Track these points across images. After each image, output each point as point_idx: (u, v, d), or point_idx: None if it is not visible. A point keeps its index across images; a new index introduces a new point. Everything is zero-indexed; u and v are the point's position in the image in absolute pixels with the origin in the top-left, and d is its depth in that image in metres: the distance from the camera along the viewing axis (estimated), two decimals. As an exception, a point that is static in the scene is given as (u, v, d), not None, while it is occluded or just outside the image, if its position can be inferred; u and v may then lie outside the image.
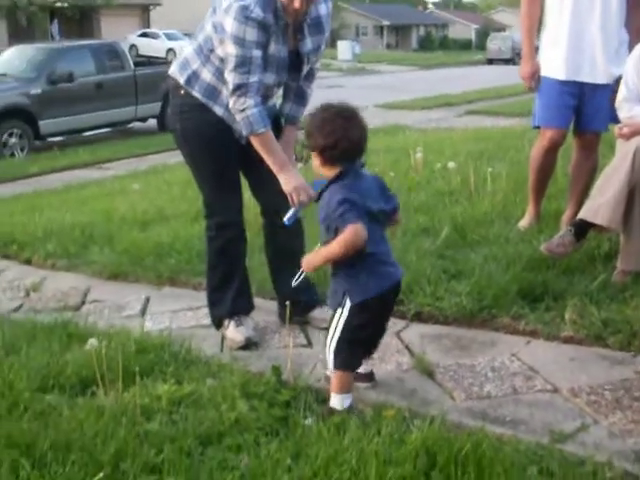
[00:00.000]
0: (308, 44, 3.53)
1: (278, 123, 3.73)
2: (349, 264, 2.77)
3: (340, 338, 2.81)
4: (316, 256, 2.84)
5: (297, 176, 3.38)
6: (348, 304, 2.81)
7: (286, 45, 3.45)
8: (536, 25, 4.83)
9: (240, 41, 3.26)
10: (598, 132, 4.84)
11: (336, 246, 2.71)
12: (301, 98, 3.75)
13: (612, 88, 4.44)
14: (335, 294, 2.87)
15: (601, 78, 4.57)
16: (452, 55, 57.11)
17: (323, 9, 3.54)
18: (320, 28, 3.56)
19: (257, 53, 3.30)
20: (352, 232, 2.66)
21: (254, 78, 3.31)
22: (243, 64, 3.29)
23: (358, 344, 2.85)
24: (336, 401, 2.82)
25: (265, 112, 3.38)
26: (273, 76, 3.47)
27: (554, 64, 4.64)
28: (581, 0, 4.50)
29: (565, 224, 4.54)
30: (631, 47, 4.39)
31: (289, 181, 3.36)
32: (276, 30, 3.37)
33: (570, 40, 4.57)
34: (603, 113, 4.61)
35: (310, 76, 3.74)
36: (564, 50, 4.58)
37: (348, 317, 2.81)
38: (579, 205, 4.43)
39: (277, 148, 3.42)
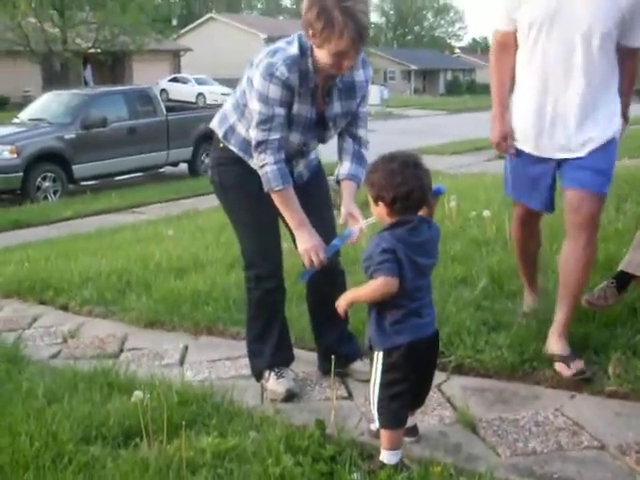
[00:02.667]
0: (336, 108, 3.52)
1: (318, 176, 3.77)
2: (378, 310, 2.81)
3: (380, 396, 2.80)
4: (346, 296, 2.92)
5: (312, 236, 3.37)
6: (380, 356, 2.81)
7: (314, 107, 3.47)
8: (508, 79, 3.87)
9: (264, 98, 3.29)
10: (588, 192, 3.64)
11: (364, 290, 2.80)
12: (361, 159, 3.65)
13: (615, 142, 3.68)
14: (365, 336, 2.93)
15: (582, 151, 3.66)
16: (479, 99, 57.22)
17: (360, 75, 3.53)
18: (352, 93, 3.54)
19: (279, 111, 3.32)
20: (382, 284, 2.70)
21: (275, 136, 3.33)
22: (265, 121, 3.31)
23: (398, 400, 2.81)
24: (385, 457, 2.80)
25: (285, 170, 3.38)
26: (298, 136, 3.48)
27: (520, 135, 3.85)
28: (553, 52, 3.61)
29: (554, 335, 3.73)
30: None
31: (302, 241, 3.37)
32: (304, 92, 3.39)
33: (537, 105, 3.71)
34: (591, 172, 3.64)
35: (363, 143, 3.69)
36: (529, 118, 3.75)
37: (382, 371, 2.81)
38: (572, 309, 3.78)
39: (295, 206, 3.42)
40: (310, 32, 3.21)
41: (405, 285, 2.73)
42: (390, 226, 2.78)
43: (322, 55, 3.26)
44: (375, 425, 3.00)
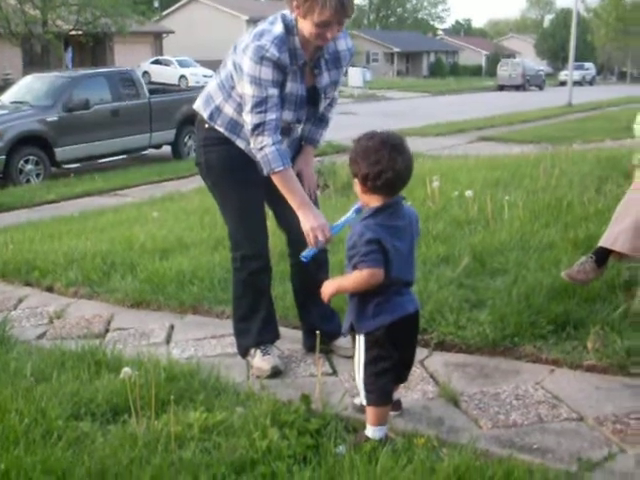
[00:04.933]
0: (325, 78, 3.58)
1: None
2: (360, 296, 2.84)
3: (365, 374, 2.85)
4: (331, 285, 2.93)
5: (316, 215, 3.38)
6: (363, 336, 2.86)
7: (304, 83, 3.51)
8: None
9: (256, 80, 3.32)
10: None
11: (350, 282, 2.82)
12: (320, 121, 3.82)
13: None
14: (347, 320, 2.94)
15: None
16: (463, 81, 57.42)
17: (342, 44, 3.60)
18: (338, 63, 3.61)
19: (273, 92, 3.34)
20: (368, 276, 2.74)
21: (271, 116, 3.35)
22: (260, 104, 3.33)
23: (383, 377, 2.86)
24: (372, 432, 2.85)
25: (284, 150, 3.42)
26: (291, 113, 3.52)
27: None
28: None
29: None
30: None
31: (307, 220, 3.37)
32: (294, 69, 3.43)
33: None
34: None
35: (332, 102, 3.81)
36: None
37: (365, 349, 2.85)
38: None
39: (297, 186, 3.45)
40: (294, 3, 3.26)
41: (391, 274, 2.76)
42: (372, 212, 2.80)
43: (306, 26, 3.29)
44: (359, 400, 3.06)
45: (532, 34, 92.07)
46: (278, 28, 3.37)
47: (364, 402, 2.88)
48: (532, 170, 8.43)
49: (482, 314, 4.02)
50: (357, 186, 2.84)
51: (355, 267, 2.76)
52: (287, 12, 3.39)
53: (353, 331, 2.91)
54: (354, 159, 2.80)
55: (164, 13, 57.61)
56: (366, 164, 2.74)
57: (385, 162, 2.72)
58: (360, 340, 2.86)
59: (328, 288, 2.93)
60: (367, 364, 2.85)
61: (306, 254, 3.33)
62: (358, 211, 3.10)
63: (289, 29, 3.37)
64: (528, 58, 67.02)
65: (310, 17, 3.24)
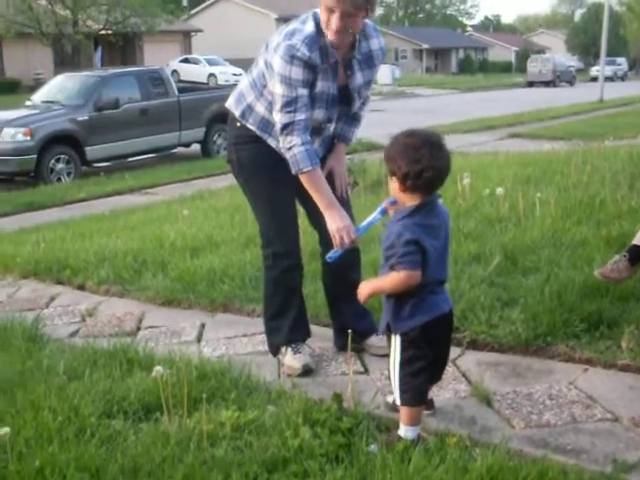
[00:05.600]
0: (359, 79, 3.57)
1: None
2: (397, 297, 2.81)
3: (401, 375, 2.83)
4: (368, 286, 2.90)
5: (342, 216, 3.37)
6: (398, 336, 2.84)
7: (336, 82, 3.50)
8: None
9: (286, 80, 3.32)
10: None
11: (387, 283, 2.79)
12: (353, 119, 3.81)
13: None
14: (383, 320, 2.91)
15: None
16: (492, 78, 57.09)
17: (375, 44, 3.58)
18: (371, 62, 3.60)
19: (303, 92, 3.34)
20: (406, 277, 2.71)
21: (301, 116, 3.35)
22: (289, 103, 3.33)
23: (418, 377, 2.85)
24: (404, 432, 2.84)
25: (313, 150, 3.41)
26: (322, 112, 3.51)
27: None
28: None
29: None
30: None
31: (333, 221, 3.36)
32: (325, 68, 3.42)
33: None
34: None
35: (365, 100, 3.80)
36: None
37: (401, 349, 2.83)
38: None
39: (324, 186, 3.44)
40: None
41: (427, 274, 2.74)
42: (410, 212, 2.75)
43: (321, 16, 3.32)
44: (391, 399, 3.06)
45: (563, 29, 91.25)
46: (309, 27, 3.37)
47: (398, 402, 2.86)
48: (563, 167, 8.35)
49: (514, 313, 3.99)
50: (394, 184, 2.78)
51: (392, 268, 2.73)
52: (318, 10, 3.38)
53: (389, 331, 2.89)
54: (392, 157, 2.75)
55: (193, 12, 57.89)
56: (406, 162, 2.69)
57: (426, 161, 2.66)
58: (396, 340, 2.84)
59: (364, 289, 2.90)
60: (403, 364, 2.83)
61: (332, 255, 3.33)
62: (383, 212, 3.07)
63: (320, 28, 3.37)
64: (558, 54, 66.47)
65: (323, 1, 3.26)
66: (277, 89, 3.36)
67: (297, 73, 3.31)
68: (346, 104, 3.62)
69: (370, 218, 3.21)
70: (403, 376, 2.83)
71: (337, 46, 3.39)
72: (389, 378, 2.93)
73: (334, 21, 3.26)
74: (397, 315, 2.82)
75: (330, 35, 3.32)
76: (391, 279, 2.75)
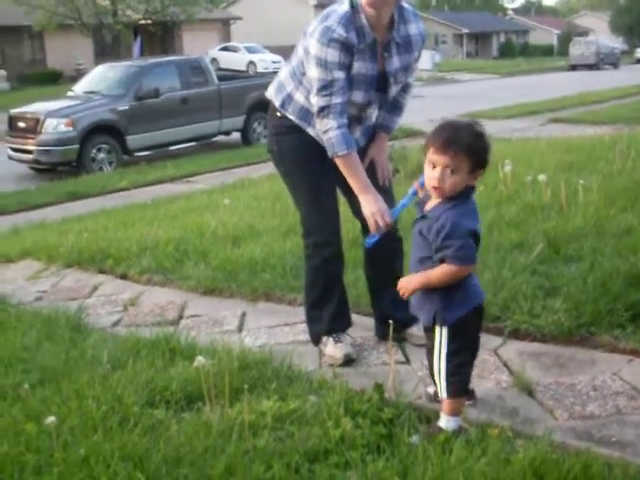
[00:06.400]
0: (396, 62, 3.54)
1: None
2: (447, 287, 2.77)
3: (448, 366, 2.80)
4: (411, 282, 2.82)
5: (377, 200, 3.36)
6: (445, 327, 2.80)
7: (375, 63, 3.47)
8: None
9: (322, 63, 3.31)
10: None
11: (436, 278, 2.72)
12: (395, 108, 3.80)
13: None
14: (427, 311, 2.84)
15: None
16: (533, 62, 56.37)
17: (414, 28, 3.56)
18: (409, 47, 3.57)
19: (339, 75, 3.33)
20: (460, 272, 2.69)
21: (337, 100, 3.34)
22: (326, 87, 3.33)
23: (465, 367, 2.85)
24: (446, 423, 2.83)
25: (349, 134, 3.40)
26: (361, 94, 3.49)
27: None
28: None
29: None
30: None
31: (368, 204, 3.36)
32: (362, 48, 3.40)
33: None
34: None
35: (406, 87, 3.78)
36: None
37: (448, 341, 2.80)
38: None
39: (359, 171, 3.43)
40: None
41: (476, 261, 2.74)
42: (466, 195, 2.74)
43: None
44: (432, 389, 3.05)
45: (607, 10, 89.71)
46: (344, 7, 3.37)
47: (444, 395, 2.83)
48: (607, 152, 8.24)
49: (557, 302, 3.94)
50: (468, 177, 2.71)
51: (444, 260, 2.68)
52: None
53: (434, 325, 2.85)
54: (486, 150, 2.73)
55: (231, 0, 57.93)
56: (488, 151, 2.73)
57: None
58: (442, 332, 2.80)
59: (410, 285, 2.82)
60: (450, 355, 2.80)
61: (369, 240, 3.34)
62: (415, 193, 3.10)
63: (355, 7, 3.36)
64: (602, 36, 65.37)
65: None
66: (313, 72, 3.36)
67: (333, 55, 3.30)
68: (384, 90, 3.60)
69: (403, 200, 3.24)
70: (451, 368, 2.81)
71: (375, 21, 3.37)
72: (431, 371, 2.91)
73: None
74: (447, 306, 2.78)
75: (369, 5, 3.31)
76: (443, 274, 2.70)
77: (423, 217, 2.80)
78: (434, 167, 2.71)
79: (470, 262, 2.68)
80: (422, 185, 2.94)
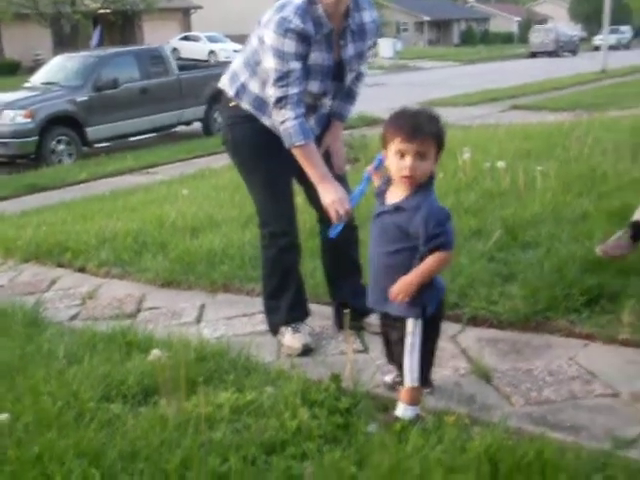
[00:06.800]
0: (350, 50, 3.54)
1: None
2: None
3: (421, 355, 2.79)
4: (410, 285, 2.70)
5: (336, 189, 3.34)
6: (421, 319, 2.77)
7: (331, 53, 3.47)
8: None
9: (279, 53, 3.29)
10: None
11: (436, 267, 2.69)
12: (348, 97, 3.79)
13: None
14: (407, 304, 2.76)
15: None
16: (494, 49, 56.71)
17: (367, 16, 3.56)
18: (363, 35, 3.57)
19: (296, 65, 3.31)
20: (449, 257, 2.69)
21: (294, 90, 3.32)
22: (282, 77, 3.31)
23: (432, 356, 2.88)
24: (403, 411, 2.82)
25: (306, 124, 3.39)
26: (317, 84, 3.48)
27: None
28: None
29: None
30: None
31: (327, 194, 3.34)
32: (319, 39, 3.39)
33: None
34: None
35: (359, 76, 3.77)
36: None
37: (422, 331, 2.78)
38: None
39: (317, 161, 3.42)
40: None
41: None
42: (432, 181, 2.74)
43: None
44: (390, 377, 3.05)
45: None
46: None
47: (414, 384, 2.80)
48: (565, 139, 8.31)
49: (514, 288, 3.97)
50: (432, 162, 2.71)
51: (436, 249, 2.64)
52: None
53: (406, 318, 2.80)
54: (440, 132, 2.73)
55: (192, -12, 57.40)
56: (444, 133, 2.75)
57: None
58: (418, 323, 2.77)
59: (409, 288, 2.70)
60: (424, 345, 2.79)
61: (333, 230, 3.31)
62: (369, 178, 3.09)
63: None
64: (561, 23, 65.94)
65: None
66: (270, 63, 3.33)
67: (290, 46, 3.28)
68: (340, 79, 3.58)
69: (359, 187, 3.21)
70: (423, 357, 2.80)
71: (332, 11, 3.36)
72: (398, 361, 2.85)
73: None
74: (428, 298, 2.75)
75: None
76: (439, 263, 2.67)
77: (397, 209, 2.73)
78: (402, 156, 2.68)
79: (452, 245, 2.69)
80: (377, 168, 2.94)
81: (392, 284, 2.74)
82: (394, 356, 2.92)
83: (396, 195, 2.77)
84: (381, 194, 2.86)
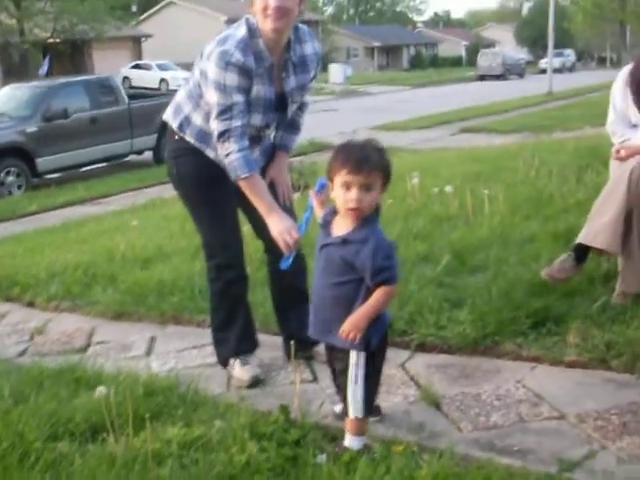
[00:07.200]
0: (292, 82, 3.55)
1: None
2: None
3: (365, 387, 2.77)
4: (360, 321, 2.69)
5: (282, 219, 3.32)
6: (363, 350, 2.76)
7: (273, 86, 3.48)
8: None
9: (221, 87, 3.29)
10: None
11: (385, 302, 2.69)
12: (292, 127, 3.80)
13: None
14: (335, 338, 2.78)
15: None
16: (443, 73, 57.51)
17: (309, 48, 3.57)
18: (305, 67, 3.58)
19: (238, 98, 3.32)
20: (396, 291, 2.71)
21: (237, 123, 3.32)
22: (225, 111, 3.31)
23: (376, 386, 2.87)
24: (350, 442, 2.82)
25: (251, 156, 3.39)
26: (260, 117, 3.49)
27: None
28: None
29: None
30: None
31: (274, 225, 3.31)
32: (261, 72, 3.40)
33: None
34: None
35: (302, 106, 3.79)
36: None
37: (365, 363, 2.77)
38: None
39: (263, 192, 3.41)
40: None
41: None
42: (377, 214, 2.75)
43: (257, 9, 3.30)
44: (339, 408, 3.05)
45: (512, 22, 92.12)
46: (241, 31, 3.36)
47: (360, 414, 2.79)
48: (512, 162, 8.43)
49: (462, 313, 4.00)
50: (377, 195, 2.72)
51: (382, 283, 2.65)
52: (250, 16, 3.37)
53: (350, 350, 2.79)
54: (382, 165, 2.72)
55: (142, 17, 57.34)
56: (390, 167, 2.76)
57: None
58: (361, 355, 2.77)
59: (359, 324, 2.68)
60: (367, 376, 2.78)
61: (284, 262, 3.27)
62: (312, 203, 3.07)
63: (252, 31, 3.36)
64: (508, 47, 67.25)
65: None
66: (212, 97, 3.34)
67: (232, 79, 3.29)
68: (282, 110, 3.60)
69: (305, 215, 3.19)
70: (367, 388, 2.78)
71: (273, 45, 3.39)
72: (344, 392, 2.84)
73: (273, 2, 3.24)
74: (373, 330, 2.73)
75: (272, 22, 3.29)
76: (386, 297, 2.67)
77: (344, 242, 2.71)
78: (348, 189, 2.68)
79: (398, 277, 2.70)
80: (319, 191, 2.95)
81: (337, 315, 2.74)
82: (339, 387, 2.92)
83: (342, 227, 2.76)
84: (326, 225, 2.85)
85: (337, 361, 2.88)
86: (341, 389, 2.90)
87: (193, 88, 3.56)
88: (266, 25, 3.31)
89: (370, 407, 2.84)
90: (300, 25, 3.53)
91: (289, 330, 3.82)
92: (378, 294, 2.66)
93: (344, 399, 2.86)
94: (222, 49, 3.30)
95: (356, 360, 2.77)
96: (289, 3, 3.29)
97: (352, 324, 2.69)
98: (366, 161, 2.67)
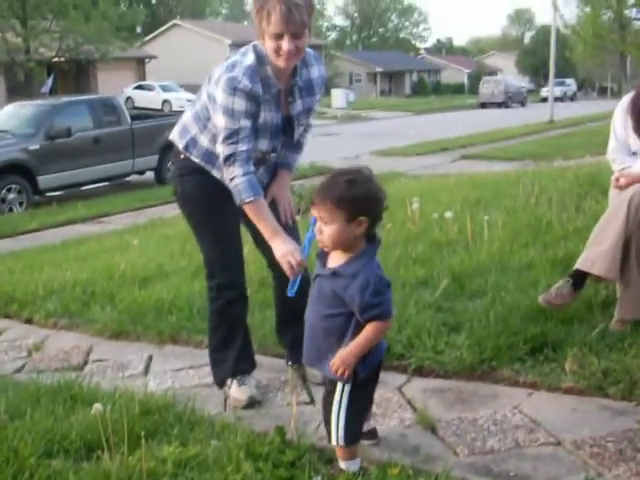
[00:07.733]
0: (298, 106, 3.59)
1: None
2: None
3: (348, 417, 2.73)
4: (349, 357, 2.65)
5: (285, 241, 3.32)
6: (349, 382, 2.73)
7: (280, 111, 3.51)
8: None
9: (229, 112, 3.32)
10: None
11: (375, 338, 2.64)
12: (295, 147, 3.82)
13: None
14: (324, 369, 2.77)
15: None
16: (445, 100, 57.80)
17: (315, 72, 3.61)
18: (311, 90, 3.62)
19: (246, 123, 3.34)
20: (389, 325, 2.70)
21: (243, 148, 3.35)
22: (232, 135, 3.33)
23: (361, 416, 2.84)
24: (347, 466, 2.80)
25: (256, 180, 3.40)
26: (267, 142, 3.53)
27: None
28: None
29: None
30: None
31: (278, 248, 3.30)
32: (268, 99, 3.43)
33: None
34: None
35: (306, 127, 3.82)
36: None
37: (349, 394, 2.73)
38: None
39: (268, 216, 3.41)
40: (255, 24, 3.29)
41: None
42: (374, 248, 2.69)
43: (267, 46, 3.31)
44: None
45: (514, 51, 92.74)
46: (250, 58, 3.39)
47: (342, 443, 2.76)
48: (512, 189, 8.45)
49: (460, 338, 4.00)
50: (358, 227, 2.62)
51: (372, 319, 2.61)
52: (258, 42, 3.40)
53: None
54: (362, 199, 2.60)
55: (147, 38, 57.70)
56: (380, 202, 2.65)
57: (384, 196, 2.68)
58: (346, 386, 2.73)
59: (348, 361, 2.65)
60: (350, 406, 2.74)
61: (290, 289, 3.20)
62: (315, 221, 2.96)
63: (260, 58, 3.39)
64: (510, 75, 67.53)
65: (266, 32, 3.25)
66: (220, 121, 3.36)
67: (240, 105, 3.32)
68: (289, 134, 3.63)
69: (308, 234, 3.16)
70: (350, 418, 2.74)
71: (281, 73, 3.42)
72: (327, 421, 2.81)
73: (285, 45, 3.25)
74: (361, 363, 2.69)
75: (283, 61, 3.31)
76: (377, 333, 2.63)
77: (334, 274, 2.68)
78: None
79: (392, 312, 2.66)
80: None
81: (329, 346, 2.71)
82: (323, 412, 2.86)
83: (336, 259, 2.72)
84: (322, 255, 2.80)
85: (326, 385, 2.86)
86: (323, 415, 2.85)
87: (200, 110, 3.59)
88: (278, 62, 3.34)
89: (353, 436, 2.78)
90: (307, 49, 3.56)
91: (290, 341, 3.84)
92: (368, 330, 2.62)
93: (327, 424, 2.81)
94: (230, 75, 3.33)
95: (341, 390, 2.74)
96: (301, 43, 3.31)
97: (342, 359, 2.65)
98: (321, 193, 2.63)
